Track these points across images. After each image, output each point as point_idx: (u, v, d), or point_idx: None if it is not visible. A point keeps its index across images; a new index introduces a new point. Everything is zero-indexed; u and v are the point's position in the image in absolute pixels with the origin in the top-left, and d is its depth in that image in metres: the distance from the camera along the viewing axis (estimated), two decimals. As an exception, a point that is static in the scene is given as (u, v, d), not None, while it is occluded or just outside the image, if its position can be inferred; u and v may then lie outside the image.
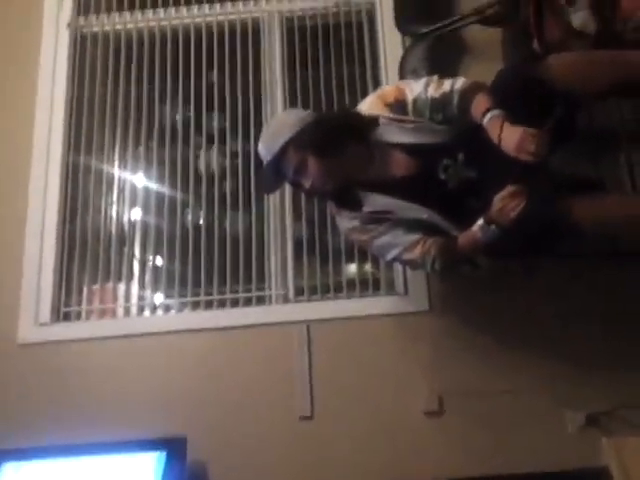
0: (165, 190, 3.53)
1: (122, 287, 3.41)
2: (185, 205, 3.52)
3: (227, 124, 3.58)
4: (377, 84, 3.46)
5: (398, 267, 3.22)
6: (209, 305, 3.32)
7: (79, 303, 3.38)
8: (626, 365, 2.91)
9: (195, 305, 3.35)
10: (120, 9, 3.80)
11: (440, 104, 2.51)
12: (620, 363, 2.91)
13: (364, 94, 3.12)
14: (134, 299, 3.40)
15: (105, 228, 3.50)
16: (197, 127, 3.60)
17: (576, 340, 2.97)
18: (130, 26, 3.78)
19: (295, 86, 3.57)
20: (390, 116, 2.58)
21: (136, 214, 3.55)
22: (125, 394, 3.10)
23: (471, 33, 3.37)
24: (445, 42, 3.34)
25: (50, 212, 3.44)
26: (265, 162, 2.59)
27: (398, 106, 2.59)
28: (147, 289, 3.44)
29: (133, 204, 3.56)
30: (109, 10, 3.81)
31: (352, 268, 3.36)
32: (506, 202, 2.29)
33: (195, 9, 3.77)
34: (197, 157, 3.61)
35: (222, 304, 3.31)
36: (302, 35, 3.68)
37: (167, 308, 3.40)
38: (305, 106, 3.42)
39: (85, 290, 3.41)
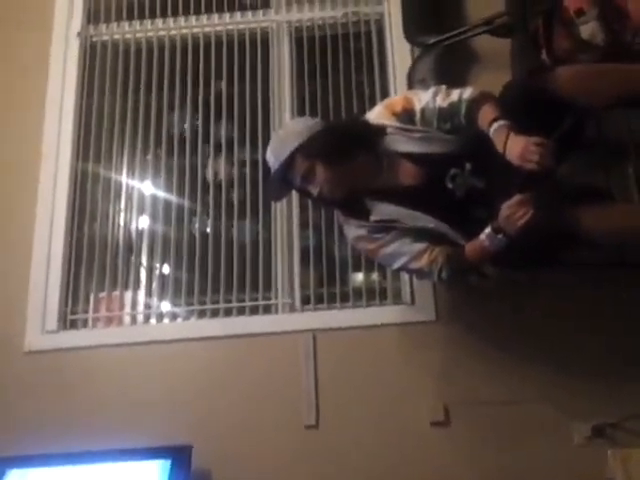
0: (173, 198, 3.53)
1: (129, 295, 3.40)
2: (192, 213, 3.53)
3: (235, 133, 3.59)
4: (385, 94, 3.46)
5: (405, 277, 3.21)
6: (215, 313, 3.32)
7: (86, 311, 3.38)
8: (633, 376, 2.89)
9: (201, 313, 3.34)
10: (130, 18, 3.82)
11: (448, 114, 2.51)
12: (627, 374, 2.90)
13: (372, 104, 3.10)
14: (141, 307, 3.41)
15: (112, 236, 3.50)
16: (205, 136, 3.62)
17: (583, 351, 2.96)
18: (140, 35, 3.80)
19: (303, 96, 3.58)
20: (398, 125, 2.58)
21: (144, 222, 3.55)
22: (131, 402, 3.10)
23: (480, 43, 3.37)
24: (454, 52, 3.34)
25: (58, 219, 3.44)
26: (273, 169, 2.60)
27: (406, 116, 2.59)
28: (154, 297, 3.44)
29: (141, 212, 3.56)
30: (119, 19, 3.83)
31: (359, 277, 3.35)
32: (514, 210, 2.28)
33: (204, 19, 3.79)
34: (205, 166, 3.61)
35: (228, 312, 3.31)
36: (311, 45, 3.69)
37: (173, 316, 3.40)
38: (313, 116, 3.41)
39: (92, 298, 3.41)
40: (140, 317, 3.40)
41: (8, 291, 3.35)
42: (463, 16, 3.47)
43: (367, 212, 2.62)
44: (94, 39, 3.80)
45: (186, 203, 3.51)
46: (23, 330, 3.26)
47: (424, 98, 2.57)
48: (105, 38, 3.80)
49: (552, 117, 2.36)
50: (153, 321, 3.40)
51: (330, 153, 2.50)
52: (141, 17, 3.82)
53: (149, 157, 3.64)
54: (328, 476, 2.93)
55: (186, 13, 3.80)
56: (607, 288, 2.96)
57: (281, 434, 3.01)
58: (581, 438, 2.85)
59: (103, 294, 3.41)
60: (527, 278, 2.86)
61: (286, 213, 3.39)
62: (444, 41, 3.29)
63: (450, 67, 3.30)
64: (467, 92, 2.50)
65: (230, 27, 3.77)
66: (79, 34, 3.76)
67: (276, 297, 3.31)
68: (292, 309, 3.28)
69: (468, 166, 2.50)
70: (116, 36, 3.80)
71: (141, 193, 3.60)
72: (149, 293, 3.44)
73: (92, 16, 3.84)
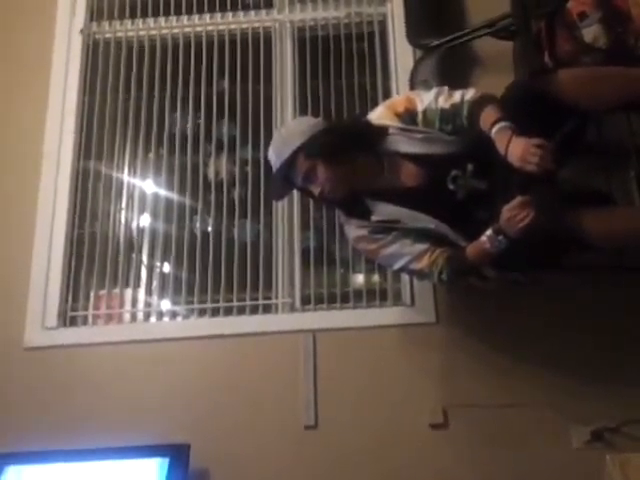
0: (174, 197, 3.54)
1: (129, 293, 3.41)
2: (194, 212, 3.53)
3: (237, 132, 3.59)
4: (388, 95, 3.46)
5: (405, 278, 3.21)
6: (215, 312, 3.32)
7: (86, 308, 3.38)
8: (632, 381, 2.89)
9: (201, 312, 3.34)
10: (133, 16, 3.83)
11: (450, 115, 2.51)
12: (626, 378, 2.90)
13: (374, 104, 3.10)
14: (141, 305, 3.41)
15: (113, 234, 3.50)
16: (207, 135, 3.62)
17: (583, 354, 2.96)
18: (142, 33, 3.80)
19: (306, 95, 3.58)
20: (400, 126, 2.58)
21: (145, 220, 3.56)
22: (129, 399, 3.10)
23: (482, 46, 3.38)
24: (456, 54, 3.34)
25: (59, 217, 3.45)
26: (275, 168, 2.60)
27: (408, 116, 2.59)
28: (154, 295, 3.45)
29: (142, 210, 3.56)
30: (122, 17, 3.84)
31: (359, 278, 3.35)
32: (515, 212, 2.27)
33: (207, 17, 3.80)
34: (206, 164, 3.62)
35: (229, 312, 3.31)
36: (313, 45, 3.70)
37: (173, 315, 3.39)
38: (315, 116, 3.39)
39: (92, 295, 3.41)
40: (140, 315, 3.40)
41: (9, 287, 3.35)
42: (466, 18, 3.48)
43: (368, 212, 2.62)
44: (97, 36, 3.81)
45: (187, 202, 3.51)
46: (23, 326, 3.26)
47: (426, 99, 2.57)
48: (108, 36, 3.81)
49: (554, 119, 2.36)
50: (153, 319, 3.39)
51: (332, 153, 2.50)
52: (144, 15, 3.83)
53: (151, 155, 3.63)
54: (327, 476, 2.92)
55: (189, 12, 3.80)
56: (608, 291, 2.95)
57: (280, 434, 3.00)
58: (580, 442, 2.84)
59: (103, 291, 3.41)
60: (527, 280, 2.85)
61: (287, 213, 3.39)
62: (447, 43, 3.29)
63: (452, 69, 3.30)
64: (469, 94, 2.50)
65: (233, 26, 3.77)
66: (82, 31, 3.77)
67: (276, 297, 3.31)
68: (292, 309, 3.28)
69: (470, 167, 2.50)
70: (119, 34, 3.81)
71: (142, 191, 3.60)
72: (149, 291, 3.44)
73: (95, 13, 3.84)
